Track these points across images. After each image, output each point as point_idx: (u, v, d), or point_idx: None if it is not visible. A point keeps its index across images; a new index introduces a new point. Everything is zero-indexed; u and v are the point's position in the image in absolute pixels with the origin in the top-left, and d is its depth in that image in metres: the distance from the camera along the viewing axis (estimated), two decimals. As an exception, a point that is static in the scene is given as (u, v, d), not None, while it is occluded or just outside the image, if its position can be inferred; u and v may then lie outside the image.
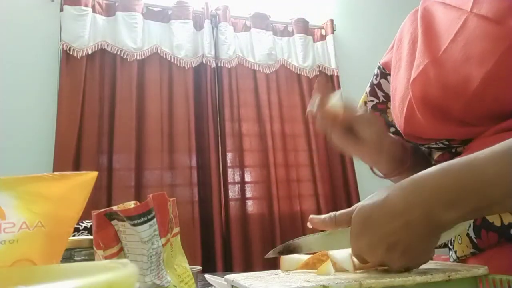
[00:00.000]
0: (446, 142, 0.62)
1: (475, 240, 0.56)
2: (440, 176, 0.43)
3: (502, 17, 0.51)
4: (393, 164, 0.69)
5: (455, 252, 0.62)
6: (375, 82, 0.78)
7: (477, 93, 0.52)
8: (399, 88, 0.66)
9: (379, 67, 0.78)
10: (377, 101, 0.78)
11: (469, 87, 0.53)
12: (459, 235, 0.60)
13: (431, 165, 0.78)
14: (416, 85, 0.59)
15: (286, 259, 0.52)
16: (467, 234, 0.57)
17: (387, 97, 0.77)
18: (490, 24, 0.52)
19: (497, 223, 0.52)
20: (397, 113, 0.65)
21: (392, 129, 0.76)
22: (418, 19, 0.65)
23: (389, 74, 0.75)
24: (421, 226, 0.42)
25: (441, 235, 0.44)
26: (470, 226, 0.57)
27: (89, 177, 0.39)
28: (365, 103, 0.80)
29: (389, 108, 0.76)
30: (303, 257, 0.54)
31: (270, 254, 0.54)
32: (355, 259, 0.49)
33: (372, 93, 0.79)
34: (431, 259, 0.47)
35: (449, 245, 0.66)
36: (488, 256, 0.54)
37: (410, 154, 0.70)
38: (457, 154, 0.63)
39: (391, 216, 0.43)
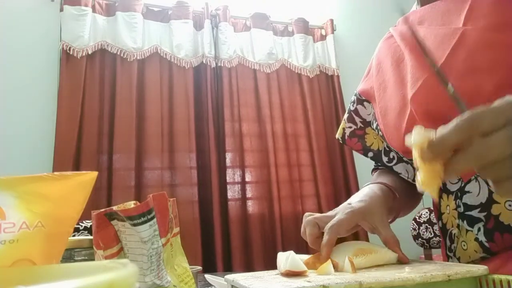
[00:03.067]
0: None
1: (486, 244, 0.55)
2: None
3: (504, 28, 0.53)
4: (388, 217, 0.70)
5: (458, 258, 0.61)
6: (352, 108, 0.80)
7: (490, 101, 0.51)
8: (391, 106, 0.67)
9: (355, 94, 0.80)
10: (355, 127, 0.79)
11: (481, 96, 0.52)
12: (463, 241, 0.59)
13: (415, 199, 0.78)
14: (417, 99, 0.60)
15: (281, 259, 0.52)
16: (476, 239, 0.57)
17: (365, 123, 0.78)
18: (494, 34, 0.53)
19: None
20: (392, 131, 0.66)
21: (370, 154, 0.78)
22: (398, 42, 0.67)
23: (366, 100, 0.77)
24: None
25: None
26: (479, 231, 0.56)
27: (89, 177, 0.39)
28: (343, 129, 0.81)
29: (367, 134, 0.78)
30: (303, 257, 0.54)
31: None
32: (354, 260, 0.49)
33: (350, 119, 0.80)
34: None
35: (448, 253, 0.65)
36: (504, 258, 0.54)
37: (397, 200, 0.70)
38: None
39: None
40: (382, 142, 0.75)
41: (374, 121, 0.75)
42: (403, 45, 0.66)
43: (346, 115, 0.82)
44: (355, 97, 0.80)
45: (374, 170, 0.85)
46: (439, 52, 0.59)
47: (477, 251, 0.57)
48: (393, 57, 0.69)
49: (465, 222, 0.59)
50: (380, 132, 0.72)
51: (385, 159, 0.75)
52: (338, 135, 0.83)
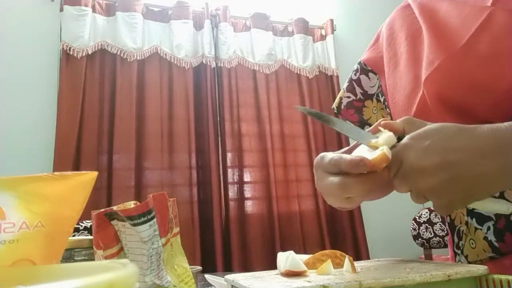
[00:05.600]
0: None
1: (496, 244, 0.54)
2: None
3: None
4: None
5: (466, 256, 0.60)
6: (354, 77, 0.75)
7: (509, 93, 0.50)
8: (401, 85, 0.63)
9: (359, 63, 0.75)
10: (354, 98, 0.74)
11: (499, 85, 0.50)
12: (472, 239, 0.58)
13: None
14: (431, 82, 0.56)
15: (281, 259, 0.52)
16: (485, 238, 0.55)
17: (365, 95, 0.73)
18: None
19: None
20: (400, 111, 0.62)
21: (367, 128, 0.73)
22: (416, 14, 0.63)
23: (371, 71, 0.72)
24: (494, 164, 0.42)
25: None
26: (489, 230, 0.55)
27: (89, 177, 0.39)
28: (341, 99, 0.76)
29: (366, 107, 0.73)
30: (303, 257, 0.54)
31: (300, 107, 0.53)
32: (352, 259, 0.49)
33: (350, 89, 0.75)
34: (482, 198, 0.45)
35: (456, 250, 0.63)
36: None
37: None
38: None
39: (466, 135, 0.43)
40: (383, 117, 0.70)
41: (380, 94, 0.71)
42: (422, 18, 0.61)
43: (346, 84, 0.76)
44: (359, 66, 0.74)
45: None
46: (461, 31, 0.55)
47: (486, 251, 0.55)
48: (409, 30, 0.64)
49: (474, 219, 0.57)
50: (388, 109, 0.67)
51: None
52: (334, 104, 0.78)
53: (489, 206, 0.45)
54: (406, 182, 0.44)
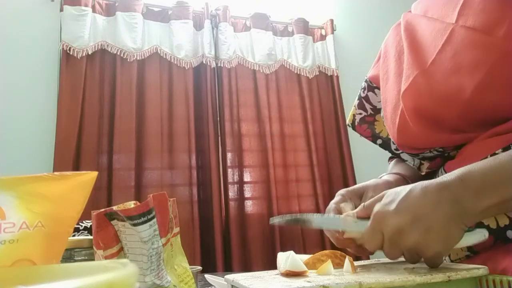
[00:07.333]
0: (440, 149, 0.63)
1: None
2: (466, 171, 0.48)
3: (491, 27, 0.53)
4: None
5: (449, 255, 0.62)
6: (363, 95, 0.81)
7: (470, 102, 0.54)
8: (389, 99, 0.68)
9: (366, 81, 0.81)
10: (365, 114, 0.80)
11: (462, 96, 0.54)
12: None
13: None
14: (407, 96, 0.61)
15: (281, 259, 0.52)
16: None
17: (375, 110, 0.79)
18: (479, 34, 0.54)
19: (493, 225, 0.53)
20: (389, 124, 0.67)
21: (379, 141, 0.79)
22: (401, 32, 0.67)
23: (377, 87, 0.78)
24: (449, 209, 0.46)
25: (463, 234, 0.47)
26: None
27: (89, 177, 0.39)
28: (354, 116, 0.82)
29: (377, 121, 0.79)
30: (303, 257, 0.54)
31: (275, 220, 0.59)
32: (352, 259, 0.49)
33: (360, 106, 0.81)
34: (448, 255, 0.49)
35: None
36: (483, 258, 0.55)
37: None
38: (450, 158, 0.64)
39: (423, 196, 0.47)
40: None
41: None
42: (404, 36, 0.66)
43: (356, 101, 0.82)
44: (366, 84, 0.80)
45: (390, 158, 0.86)
46: (432, 47, 0.59)
47: (463, 249, 0.58)
48: (397, 47, 0.69)
49: None
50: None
51: (393, 146, 0.76)
52: (348, 121, 0.84)
53: (468, 241, 0.48)
54: (395, 247, 0.48)
